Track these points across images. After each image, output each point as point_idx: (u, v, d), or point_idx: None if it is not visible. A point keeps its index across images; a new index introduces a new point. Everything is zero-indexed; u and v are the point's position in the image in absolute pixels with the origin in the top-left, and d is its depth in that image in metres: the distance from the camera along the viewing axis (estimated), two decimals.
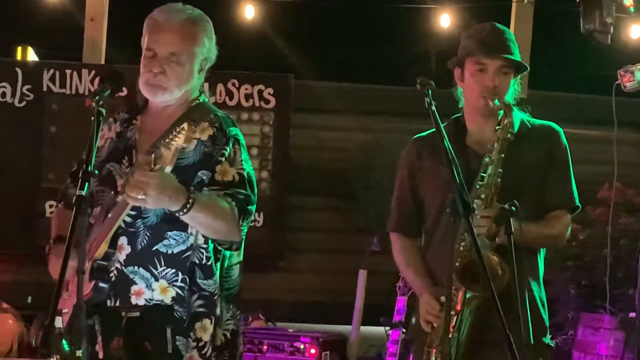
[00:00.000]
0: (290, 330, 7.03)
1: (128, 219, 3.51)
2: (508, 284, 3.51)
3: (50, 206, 7.91)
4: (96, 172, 3.34)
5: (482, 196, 3.72)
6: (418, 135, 4.12)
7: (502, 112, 3.81)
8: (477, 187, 3.73)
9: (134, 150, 3.62)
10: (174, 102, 3.66)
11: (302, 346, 6.67)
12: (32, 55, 10.35)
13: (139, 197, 3.35)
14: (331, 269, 8.66)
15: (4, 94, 7.95)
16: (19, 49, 10.38)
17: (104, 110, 3.46)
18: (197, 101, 3.71)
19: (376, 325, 6.76)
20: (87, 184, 3.18)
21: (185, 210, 3.42)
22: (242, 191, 3.57)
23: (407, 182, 4.03)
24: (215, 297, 3.57)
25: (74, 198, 3.18)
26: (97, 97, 3.47)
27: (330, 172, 8.62)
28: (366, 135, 8.72)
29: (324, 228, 8.78)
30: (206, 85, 3.81)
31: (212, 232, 3.53)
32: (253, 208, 3.61)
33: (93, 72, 7.98)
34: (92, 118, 3.46)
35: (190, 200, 3.42)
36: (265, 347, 6.53)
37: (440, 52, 10.67)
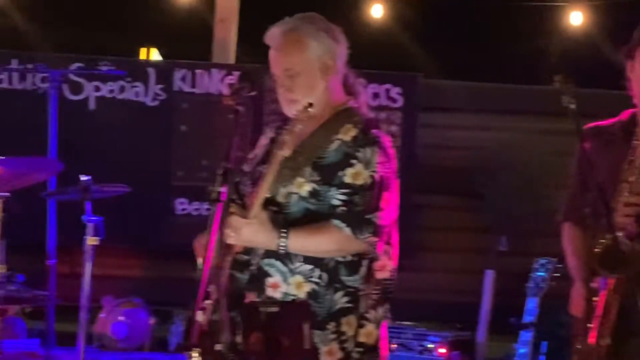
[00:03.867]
0: (418, 329, 7.01)
1: (271, 214, 3.55)
2: None
3: (181, 203, 8.06)
4: (238, 168, 3.39)
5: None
6: (589, 126, 4.03)
7: None
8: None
9: (276, 147, 3.65)
10: (313, 108, 3.66)
11: (431, 345, 6.66)
12: (156, 56, 10.54)
13: (231, 239, 3.43)
14: (456, 269, 8.62)
15: (137, 94, 8.11)
16: (144, 50, 10.57)
17: (242, 109, 3.49)
18: (346, 105, 3.72)
19: (505, 326, 6.69)
20: (227, 180, 3.25)
21: (280, 252, 3.49)
22: (367, 198, 3.56)
23: (577, 173, 4.00)
24: (360, 293, 3.58)
25: (212, 193, 3.24)
26: (235, 96, 3.51)
27: (457, 171, 8.58)
28: (494, 134, 8.65)
29: (450, 227, 8.75)
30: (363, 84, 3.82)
31: (322, 256, 3.56)
32: (379, 215, 3.58)
33: (223, 72, 8.09)
34: (231, 116, 3.49)
35: (283, 245, 3.48)
36: (394, 345, 6.52)
37: (569, 50, 10.50)
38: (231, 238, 3.48)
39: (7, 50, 8.22)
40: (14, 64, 8.00)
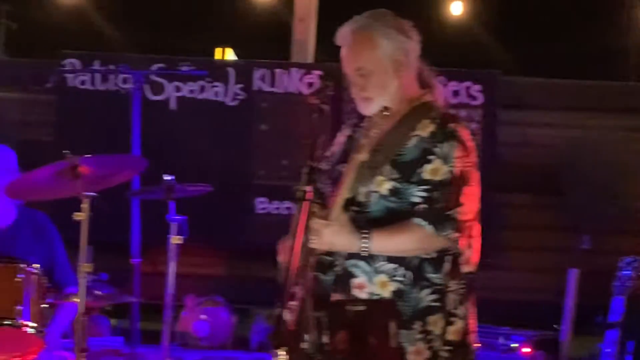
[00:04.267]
0: (502, 328, 6.96)
1: (352, 214, 3.55)
2: None
3: (261, 202, 8.10)
4: (321, 167, 3.38)
5: None
6: None
7: None
8: None
9: (354, 150, 3.64)
10: (389, 105, 3.64)
11: (515, 345, 6.60)
12: (231, 56, 10.60)
13: (314, 242, 3.44)
14: (538, 267, 8.54)
15: (217, 93, 8.17)
16: (219, 50, 10.64)
17: (327, 107, 3.49)
18: (420, 100, 3.69)
19: (589, 325, 6.62)
20: (312, 178, 3.26)
21: (363, 254, 3.49)
22: (447, 194, 3.53)
23: None
24: (447, 290, 3.56)
25: (298, 192, 3.25)
26: (319, 95, 3.51)
27: (538, 168, 8.51)
28: (574, 131, 8.56)
29: (531, 226, 8.67)
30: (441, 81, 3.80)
31: (405, 255, 3.55)
32: (460, 210, 3.55)
33: (302, 71, 8.10)
34: (316, 115, 3.49)
35: (365, 247, 3.47)
36: (477, 345, 6.46)
37: None
38: (313, 242, 3.47)
39: (89, 52, 8.32)
40: (97, 65, 8.10)
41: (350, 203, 3.53)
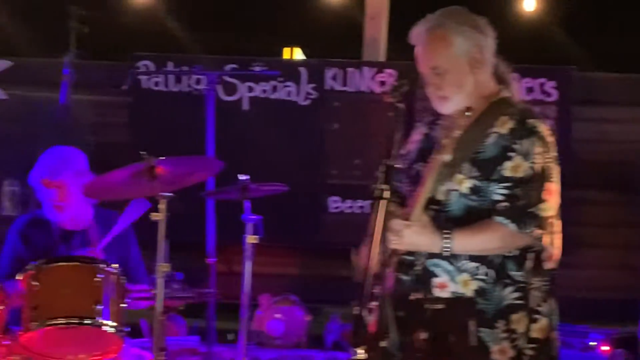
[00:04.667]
0: (580, 326, 6.89)
1: (432, 213, 3.53)
2: None
3: (334, 201, 8.10)
4: (398, 165, 3.36)
5: None
6: None
7: None
8: None
9: (436, 150, 3.63)
10: (465, 104, 3.62)
11: (593, 343, 6.52)
12: (299, 56, 10.61)
13: (394, 243, 3.41)
14: (616, 265, 8.44)
15: (289, 93, 8.19)
16: (287, 49, 10.65)
17: (402, 106, 3.48)
18: (498, 96, 3.67)
19: None
20: (389, 177, 3.25)
21: (445, 254, 3.47)
22: (529, 191, 3.50)
23: None
24: (530, 287, 3.53)
25: (376, 191, 3.24)
26: (395, 93, 3.50)
27: (613, 165, 8.41)
28: None
29: (608, 222, 8.57)
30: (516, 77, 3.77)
31: (488, 254, 3.52)
32: (542, 207, 3.52)
33: (374, 70, 8.09)
34: (392, 114, 3.48)
35: (447, 247, 3.45)
36: None
37: None
38: (393, 242, 3.47)
39: (162, 54, 8.40)
40: (170, 67, 8.17)
41: (429, 202, 3.52)
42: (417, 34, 3.65)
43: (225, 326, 6.86)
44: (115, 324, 4.44)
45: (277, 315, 7.31)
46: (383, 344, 3.25)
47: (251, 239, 5.34)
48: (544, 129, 3.59)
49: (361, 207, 8.00)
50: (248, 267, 5.38)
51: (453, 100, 3.60)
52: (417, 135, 3.79)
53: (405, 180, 3.66)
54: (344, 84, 8.17)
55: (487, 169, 3.52)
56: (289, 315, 7.33)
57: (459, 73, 3.60)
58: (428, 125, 3.77)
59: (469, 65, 3.61)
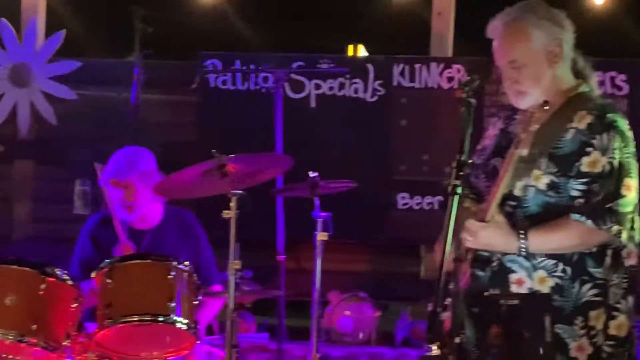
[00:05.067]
0: None
1: (508, 209, 3.51)
2: None
3: (402, 198, 8.08)
4: (470, 161, 3.34)
5: None
6: None
7: None
8: None
9: (513, 145, 3.60)
10: (543, 98, 3.58)
11: None
12: (363, 53, 10.58)
13: (469, 243, 3.39)
14: None
15: (356, 90, 8.18)
16: (351, 47, 10.62)
17: (473, 101, 3.46)
18: (576, 91, 3.63)
19: None
20: (461, 172, 3.23)
21: (521, 254, 3.44)
22: (607, 186, 3.46)
23: None
24: (609, 284, 3.50)
25: (449, 187, 3.23)
26: (466, 88, 3.48)
27: None
28: None
29: None
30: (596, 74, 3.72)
31: (565, 251, 3.48)
32: (621, 202, 3.47)
33: (442, 66, 8.05)
34: (463, 109, 3.46)
35: (523, 247, 3.41)
36: None
37: None
38: (468, 242, 3.45)
39: (229, 53, 8.43)
40: (237, 65, 8.20)
41: (506, 198, 3.50)
42: (495, 27, 3.63)
43: (293, 323, 6.87)
44: (187, 321, 4.47)
45: (347, 312, 7.31)
46: (457, 340, 3.24)
47: (321, 235, 5.35)
48: (623, 123, 3.55)
49: (430, 203, 7.96)
50: (318, 265, 5.39)
51: (530, 94, 3.57)
52: (493, 130, 3.77)
53: (482, 176, 3.64)
54: (412, 80, 8.13)
55: (565, 165, 3.49)
56: (358, 312, 7.32)
57: (537, 67, 3.58)
58: (505, 120, 3.75)
59: (547, 59, 3.58)
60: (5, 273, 4.45)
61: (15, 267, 4.46)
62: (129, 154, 5.36)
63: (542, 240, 3.45)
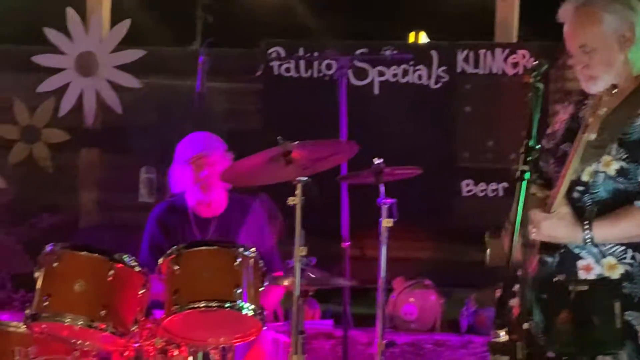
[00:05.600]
0: None
1: (576, 195, 3.48)
2: None
3: (467, 184, 8.04)
4: (538, 146, 3.31)
5: None
6: None
7: None
8: None
9: (581, 129, 3.56)
10: (614, 82, 3.53)
11: None
12: (424, 40, 10.52)
13: (533, 234, 3.37)
14: None
15: (420, 77, 8.15)
16: (412, 34, 10.58)
17: (541, 86, 3.43)
18: None
19: None
20: (530, 157, 3.21)
21: (586, 244, 3.42)
22: None
23: None
24: None
25: (517, 172, 3.21)
26: (534, 73, 3.45)
27: None
28: None
29: None
30: None
31: (633, 241, 3.44)
32: None
33: (506, 51, 7.98)
34: (530, 94, 3.43)
35: (588, 238, 3.37)
36: None
37: None
38: (533, 233, 3.43)
39: (293, 40, 8.44)
40: (300, 53, 8.21)
41: (575, 184, 3.47)
42: (566, 11, 3.60)
43: (357, 310, 6.87)
44: (254, 307, 4.49)
45: (411, 299, 7.29)
46: (526, 326, 3.21)
47: (386, 222, 5.34)
48: None
49: (494, 190, 7.92)
50: (383, 251, 5.39)
51: (602, 79, 3.53)
52: (564, 115, 3.74)
53: (552, 161, 3.62)
54: (476, 66, 8.08)
55: (636, 151, 3.46)
56: (422, 299, 7.31)
57: (608, 51, 3.54)
58: (576, 104, 3.71)
59: (619, 44, 3.54)
60: (75, 259, 4.51)
61: (84, 253, 4.52)
62: (207, 136, 5.43)
63: (607, 231, 3.42)
